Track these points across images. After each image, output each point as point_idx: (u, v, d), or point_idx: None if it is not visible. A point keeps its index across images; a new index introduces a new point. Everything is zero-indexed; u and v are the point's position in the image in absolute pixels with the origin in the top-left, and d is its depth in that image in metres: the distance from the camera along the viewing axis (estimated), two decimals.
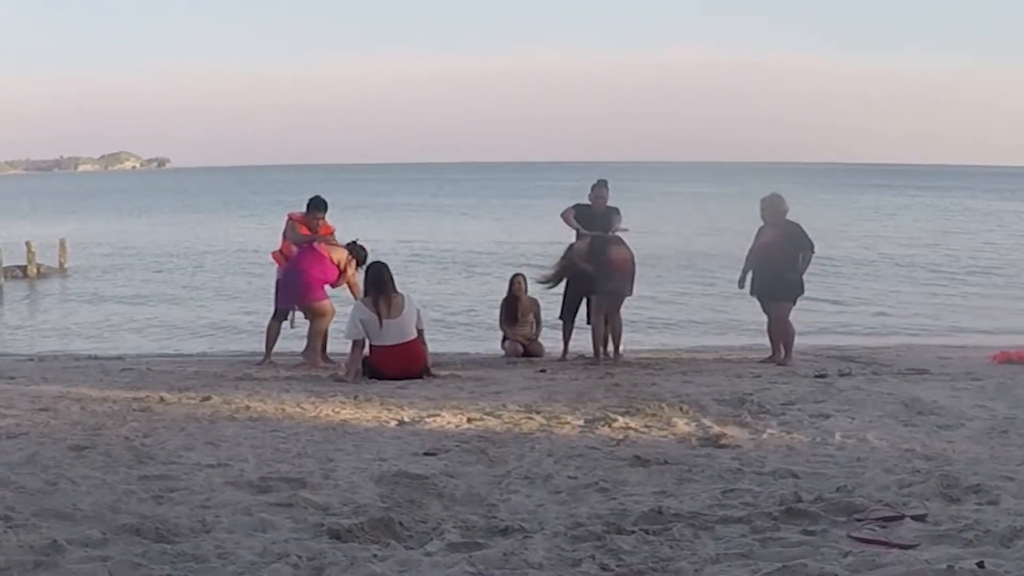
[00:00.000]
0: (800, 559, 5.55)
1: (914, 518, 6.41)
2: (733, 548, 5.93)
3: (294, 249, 15.64)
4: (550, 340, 17.19)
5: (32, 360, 17.59)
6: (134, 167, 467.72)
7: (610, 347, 16.04)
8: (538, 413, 10.75)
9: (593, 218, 16.00)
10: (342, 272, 15.52)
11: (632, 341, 17.17)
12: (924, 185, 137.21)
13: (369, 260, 14.97)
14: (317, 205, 15.87)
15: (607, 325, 15.94)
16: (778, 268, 15.37)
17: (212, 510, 6.86)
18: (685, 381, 13.30)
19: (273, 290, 16.36)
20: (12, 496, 7.10)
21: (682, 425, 10.01)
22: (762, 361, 15.75)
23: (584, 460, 8.49)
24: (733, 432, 9.64)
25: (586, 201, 16.36)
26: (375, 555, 5.88)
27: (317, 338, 15.60)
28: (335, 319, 15.66)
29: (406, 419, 10.54)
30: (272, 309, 16.30)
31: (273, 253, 16.30)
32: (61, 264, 38.11)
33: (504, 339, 17.36)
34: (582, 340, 16.67)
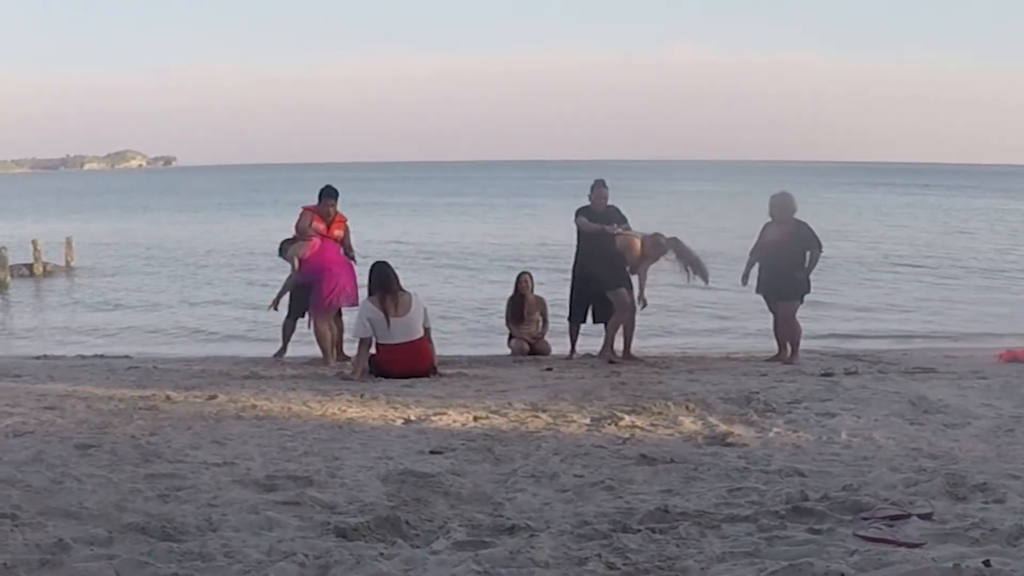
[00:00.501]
0: (806, 557, 5.54)
1: (920, 516, 6.40)
2: (739, 547, 5.93)
3: (301, 245, 15.69)
4: (557, 340, 17.20)
5: (38, 358, 17.59)
6: (140, 166, 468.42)
7: (618, 345, 16.08)
8: (544, 412, 10.75)
9: (594, 218, 16.00)
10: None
11: (637, 340, 17.15)
12: (930, 184, 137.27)
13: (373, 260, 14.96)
14: (329, 193, 16.03)
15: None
16: (786, 266, 15.37)
17: (218, 509, 6.86)
18: (691, 379, 13.30)
19: (286, 290, 16.32)
20: (18, 494, 7.11)
21: (688, 424, 10.01)
22: (768, 360, 15.75)
23: (590, 458, 8.48)
24: (739, 431, 9.64)
25: (586, 202, 16.36)
26: (381, 553, 5.88)
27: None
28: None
29: (412, 417, 10.54)
30: (288, 308, 16.30)
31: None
32: (67, 262, 38.15)
33: (510, 338, 17.37)
34: (587, 340, 16.70)
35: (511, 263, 32.03)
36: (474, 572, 5.55)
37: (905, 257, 40.10)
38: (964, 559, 5.42)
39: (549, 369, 14.73)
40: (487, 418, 10.47)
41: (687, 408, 10.77)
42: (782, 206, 15.68)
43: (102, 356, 18.07)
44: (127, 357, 17.78)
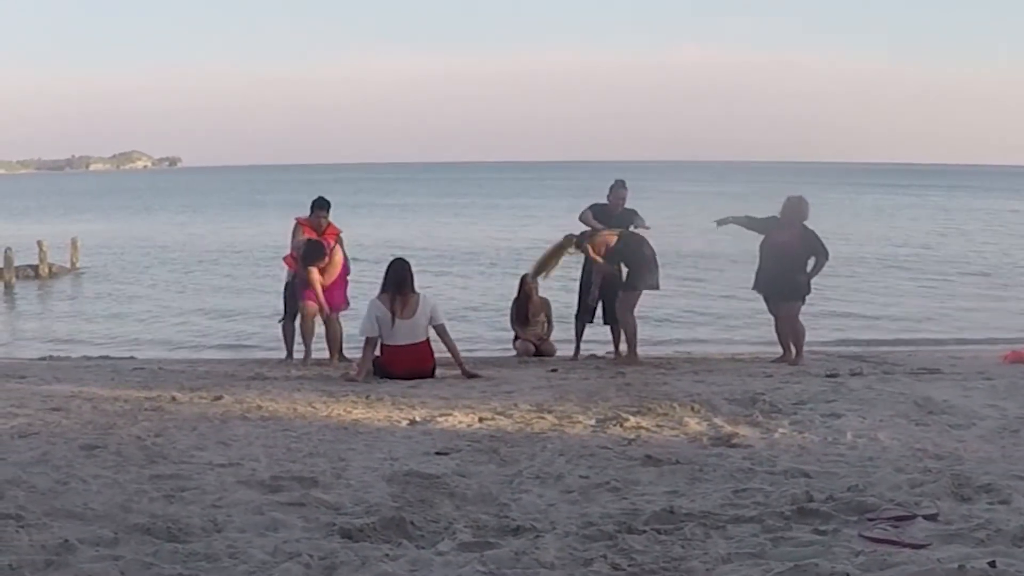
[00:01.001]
0: (812, 558, 5.54)
1: (926, 517, 6.40)
2: (745, 548, 5.92)
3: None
4: (563, 343, 17.22)
5: (44, 359, 17.64)
6: (145, 166, 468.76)
7: (622, 346, 16.11)
8: (550, 413, 10.74)
9: (611, 218, 16.02)
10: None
11: (643, 340, 17.15)
12: (938, 184, 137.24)
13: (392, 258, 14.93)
14: (320, 205, 16.09)
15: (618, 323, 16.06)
16: (790, 268, 15.38)
17: (224, 509, 6.86)
18: (696, 381, 13.29)
19: (283, 292, 16.41)
20: (23, 495, 7.11)
21: (694, 425, 10.00)
22: (773, 361, 15.75)
23: (596, 460, 8.48)
24: (745, 432, 9.63)
25: (603, 201, 16.37)
26: (387, 555, 5.88)
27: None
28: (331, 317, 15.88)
29: (418, 419, 10.54)
30: (283, 310, 16.37)
31: (285, 258, 16.36)
32: (73, 263, 38.20)
33: (516, 339, 17.39)
34: (589, 342, 16.73)
35: (515, 264, 32.10)
36: (479, 573, 5.55)
37: (901, 258, 40.11)
38: (969, 560, 5.41)
39: (554, 370, 14.73)
40: (492, 419, 10.46)
41: (692, 409, 10.76)
42: (793, 209, 15.66)
43: (107, 357, 18.12)
44: (132, 358, 17.83)
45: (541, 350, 17.14)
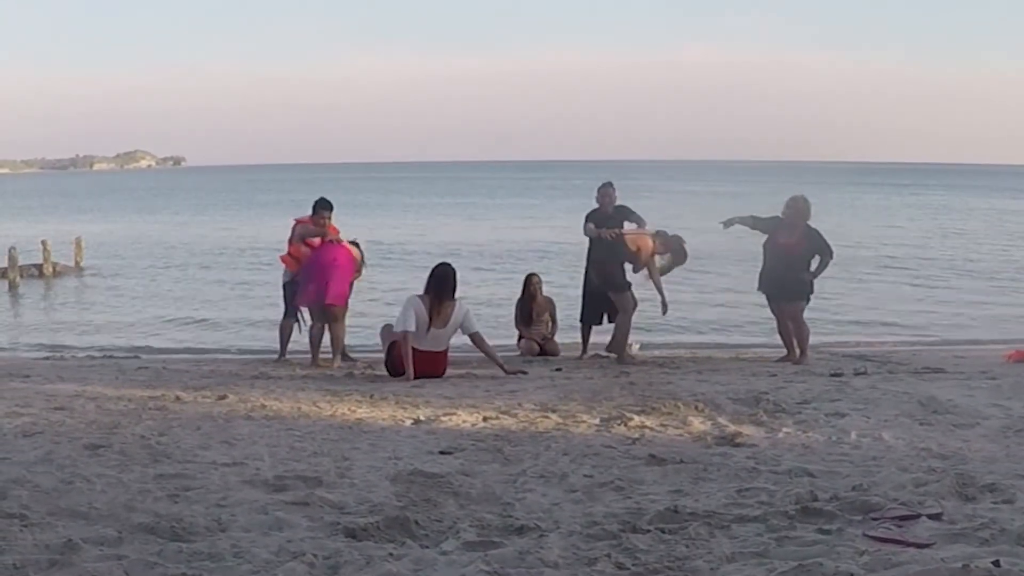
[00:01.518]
0: (816, 558, 5.54)
1: (930, 517, 6.40)
2: (749, 547, 5.92)
3: (304, 250, 15.72)
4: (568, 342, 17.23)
5: (48, 359, 17.65)
6: (149, 166, 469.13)
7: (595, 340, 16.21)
8: (554, 412, 10.74)
9: (602, 219, 16.01)
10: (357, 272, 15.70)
11: (646, 340, 17.17)
12: (947, 184, 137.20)
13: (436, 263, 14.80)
14: (323, 206, 16.04)
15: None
16: (794, 268, 15.38)
17: (228, 509, 6.87)
18: (700, 380, 13.29)
19: (282, 291, 16.42)
20: (27, 495, 7.12)
21: (698, 424, 10.00)
22: (777, 360, 15.76)
23: (600, 459, 8.48)
24: (749, 431, 9.63)
25: (594, 204, 16.37)
26: (391, 554, 5.88)
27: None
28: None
29: (422, 418, 10.54)
30: (283, 308, 16.39)
31: (282, 256, 16.33)
32: (77, 263, 38.19)
33: (520, 338, 17.39)
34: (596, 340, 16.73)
35: (518, 263, 32.09)
36: (483, 572, 5.55)
37: (918, 256, 40.13)
38: (974, 559, 5.41)
39: (559, 369, 14.74)
40: (497, 418, 10.46)
41: (696, 408, 10.76)
42: (797, 209, 15.65)
43: (111, 356, 18.12)
44: (136, 357, 17.83)
45: (545, 349, 17.14)
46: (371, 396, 11.98)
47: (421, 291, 14.11)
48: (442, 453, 8.78)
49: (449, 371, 14.13)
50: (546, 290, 17.89)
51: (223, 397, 11.89)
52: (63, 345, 21.42)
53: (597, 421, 10.23)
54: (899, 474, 7.67)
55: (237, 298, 30.08)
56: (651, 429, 9.80)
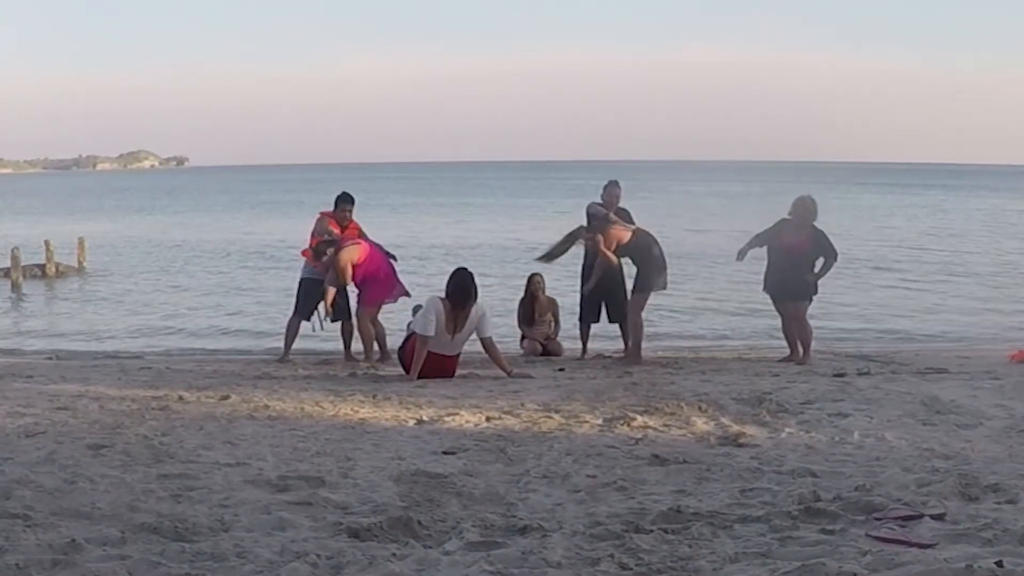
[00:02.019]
0: (819, 558, 5.54)
1: (933, 517, 6.39)
2: (752, 547, 5.92)
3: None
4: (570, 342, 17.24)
5: (50, 359, 17.65)
6: (152, 166, 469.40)
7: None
8: (557, 412, 10.74)
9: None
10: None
11: (650, 340, 17.16)
12: (951, 184, 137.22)
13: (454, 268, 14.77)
14: (345, 199, 16.17)
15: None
16: (799, 268, 15.39)
17: (231, 509, 6.87)
18: (704, 380, 13.28)
19: (296, 287, 16.45)
20: (31, 495, 7.12)
21: (701, 424, 10.00)
22: (780, 360, 15.77)
23: (603, 459, 8.48)
24: (752, 431, 9.63)
25: (598, 200, 16.35)
26: (394, 554, 5.88)
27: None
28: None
29: (425, 418, 10.54)
30: (293, 306, 16.41)
31: (303, 251, 16.35)
32: (80, 263, 38.17)
33: (522, 338, 17.40)
34: (599, 337, 16.73)
35: (521, 263, 32.09)
36: (486, 572, 5.55)
37: (922, 256, 40.12)
38: (976, 560, 5.41)
39: (561, 369, 14.73)
40: (500, 418, 10.46)
41: (699, 408, 10.76)
42: (804, 209, 15.66)
43: (114, 356, 18.13)
44: (139, 357, 17.85)
45: (548, 349, 17.15)
46: (374, 396, 11.98)
47: (442, 293, 14.09)
48: (445, 453, 8.78)
49: (456, 371, 14.15)
50: (548, 290, 17.89)
51: (226, 397, 11.89)
52: (66, 345, 21.42)
53: (600, 421, 10.23)
54: (902, 474, 7.67)
55: (240, 298, 30.07)
56: (654, 429, 9.80)
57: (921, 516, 6.42)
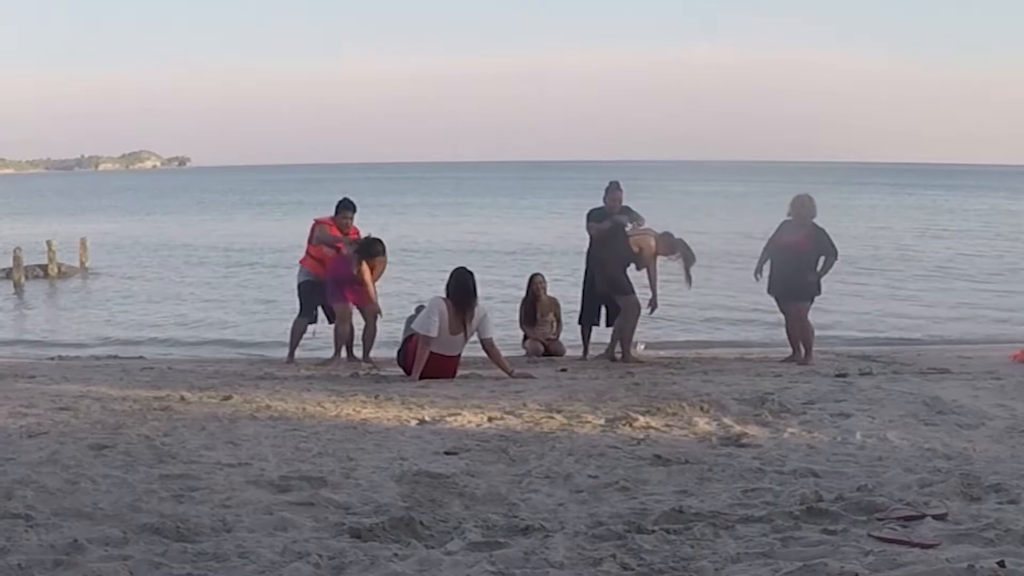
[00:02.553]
0: (821, 558, 5.54)
1: (935, 517, 6.39)
2: (754, 547, 5.92)
3: (325, 250, 15.74)
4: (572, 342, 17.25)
5: (53, 359, 17.66)
6: (155, 166, 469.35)
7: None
8: (559, 412, 10.73)
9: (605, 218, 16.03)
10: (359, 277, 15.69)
11: (652, 340, 17.17)
12: (954, 184, 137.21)
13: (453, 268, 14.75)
14: (346, 206, 16.04)
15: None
16: (801, 268, 15.39)
17: (233, 509, 6.87)
18: (706, 380, 13.28)
19: (297, 290, 16.43)
20: (33, 495, 7.12)
21: (703, 424, 10.00)
22: (782, 360, 15.77)
23: (605, 459, 8.48)
24: (754, 431, 9.63)
25: (600, 205, 16.34)
26: (396, 554, 5.88)
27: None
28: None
29: (427, 418, 10.53)
30: (298, 308, 16.41)
31: (302, 260, 16.29)
32: (82, 263, 38.20)
33: (525, 339, 17.40)
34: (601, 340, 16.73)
35: (523, 263, 32.09)
36: (488, 573, 5.55)
37: (926, 257, 40.13)
38: (978, 560, 5.41)
39: (563, 370, 14.73)
40: (501, 419, 10.46)
41: (701, 409, 10.75)
42: (802, 207, 15.69)
43: (116, 357, 18.14)
44: (141, 358, 17.85)
45: (551, 350, 17.15)
46: (376, 396, 11.98)
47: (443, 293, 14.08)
48: (447, 453, 8.77)
49: (457, 371, 14.15)
50: (549, 290, 17.90)
51: (228, 397, 11.89)
52: (68, 345, 21.43)
53: (602, 421, 10.22)
54: (904, 474, 7.67)
55: (242, 298, 30.10)
56: (656, 429, 9.80)
57: (923, 516, 6.42)
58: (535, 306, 17.45)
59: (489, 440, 9.35)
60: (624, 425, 9.97)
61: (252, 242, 49.21)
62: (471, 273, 14.13)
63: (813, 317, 15.99)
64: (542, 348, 17.13)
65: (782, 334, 16.38)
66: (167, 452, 8.74)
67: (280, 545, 6.04)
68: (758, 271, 16.02)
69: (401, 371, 14.18)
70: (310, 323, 16.30)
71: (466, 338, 14.01)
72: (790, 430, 9.69)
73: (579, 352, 16.68)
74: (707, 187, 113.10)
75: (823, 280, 15.69)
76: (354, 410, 11.07)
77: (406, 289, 27.21)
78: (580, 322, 16.70)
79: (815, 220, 15.65)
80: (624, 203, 16.22)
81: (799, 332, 15.74)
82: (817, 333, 16.20)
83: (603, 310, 16.43)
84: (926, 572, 5.28)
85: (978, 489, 7.08)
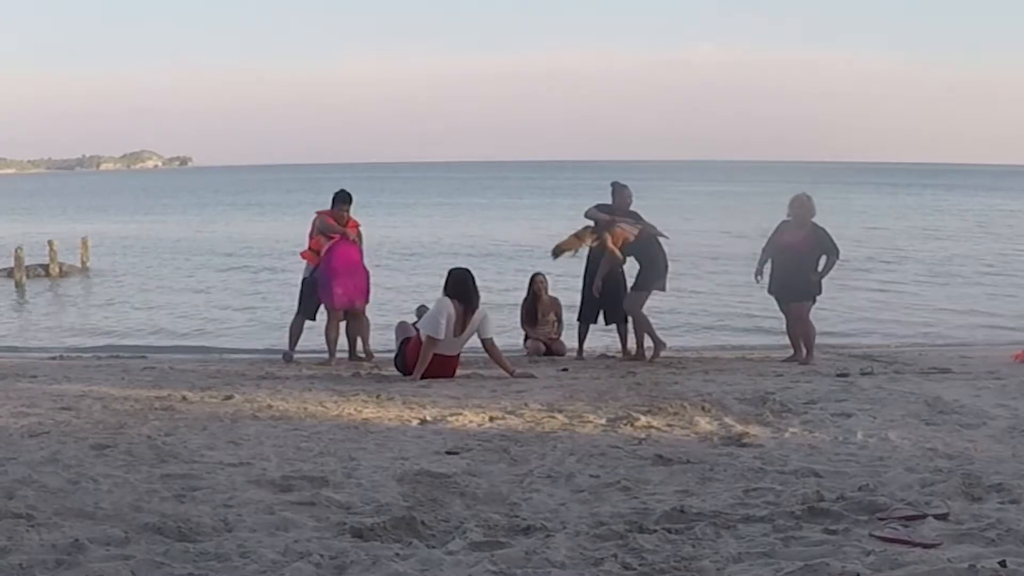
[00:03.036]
0: (822, 558, 5.54)
1: (936, 517, 6.39)
2: (755, 547, 5.92)
3: (323, 242, 15.80)
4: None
5: (54, 359, 17.66)
6: (156, 166, 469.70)
7: (630, 344, 16.19)
8: (560, 412, 10.74)
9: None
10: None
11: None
12: (956, 184, 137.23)
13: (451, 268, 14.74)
14: (343, 199, 16.12)
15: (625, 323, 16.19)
16: (802, 268, 15.38)
17: (234, 509, 6.86)
18: (707, 380, 13.29)
19: (299, 287, 16.45)
20: (34, 495, 7.12)
21: (704, 424, 10.00)
22: (784, 360, 15.76)
23: (606, 459, 8.48)
24: (755, 431, 9.63)
25: (607, 202, 16.33)
26: (397, 554, 5.88)
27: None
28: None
29: (428, 418, 10.53)
30: (296, 306, 16.44)
31: (303, 252, 16.35)
32: (83, 263, 38.19)
33: (526, 338, 17.39)
34: (597, 339, 16.73)
35: (524, 263, 32.07)
36: (490, 572, 5.55)
37: (928, 257, 40.11)
38: (980, 559, 5.41)
39: (565, 370, 14.73)
40: (503, 418, 10.46)
41: (703, 408, 10.75)
42: (801, 207, 15.68)
43: (117, 357, 18.12)
44: (143, 357, 17.84)
45: (552, 349, 17.14)
46: (377, 396, 11.99)
47: (440, 292, 14.08)
48: (448, 453, 8.78)
49: (456, 371, 14.15)
50: (552, 290, 17.89)
51: (229, 397, 11.90)
52: (70, 345, 21.43)
53: (603, 421, 10.23)
54: (905, 474, 7.67)
55: (243, 297, 30.09)
56: (657, 429, 9.80)
57: (924, 516, 6.42)
58: (536, 306, 17.44)
59: (490, 440, 9.36)
60: (625, 425, 9.98)
61: (253, 241, 49.17)
62: (470, 272, 14.14)
63: (813, 317, 15.98)
64: (543, 347, 17.12)
65: (783, 333, 16.37)
66: (168, 452, 8.73)
67: (281, 545, 6.04)
68: (758, 272, 16.02)
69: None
70: (308, 321, 16.32)
71: (466, 339, 14.02)
72: (791, 430, 9.69)
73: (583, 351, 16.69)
74: (706, 187, 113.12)
75: (824, 280, 15.68)
76: (355, 410, 11.08)
77: (406, 289, 27.22)
78: (579, 319, 16.70)
79: (814, 219, 15.64)
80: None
81: (800, 332, 15.74)
82: (817, 333, 16.19)
83: (602, 311, 16.43)
84: (927, 572, 5.28)
85: (979, 489, 7.07)
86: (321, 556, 5.78)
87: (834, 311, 23.15)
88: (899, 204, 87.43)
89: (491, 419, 10.44)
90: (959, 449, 8.75)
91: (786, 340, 16.31)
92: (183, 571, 5.61)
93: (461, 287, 13.88)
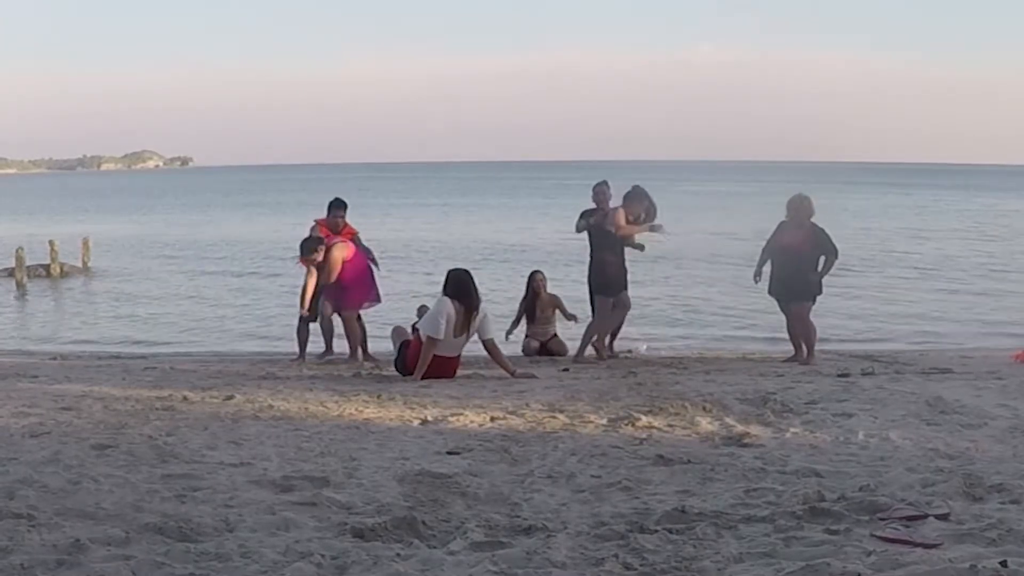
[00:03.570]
0: (823, 558, 5.53)
1: (937, 517, 6.38)
2: (756, 547, 5.91)
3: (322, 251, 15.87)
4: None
5: (55, 359, 17.67)
6: (157, 166, 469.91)
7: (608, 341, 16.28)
8: (561, 412, 10.73)
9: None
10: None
11: (654, 340, 17.17)
12: (956, 184, 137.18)
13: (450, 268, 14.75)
14: (337, 205, 16.23)
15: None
16: (802, 268, 15.39)
17: (235, 509, 6.86)
18: (708, 380, 13.29)
19: (300, 292, 16.47)
20: (35, 495, 7.11)
21: (705, 424, 9.99)
22: (785, 360, 15.77)
23: (607, 459, 8.47)
24: (756, 431, 9.62)
25: (591, 206, 16.34)
26: (398, 554, 5.88)
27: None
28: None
29: (429, 418, 10.53)
30: (298, 310, 16.45)
31: (302, 259, 16.31)
32: (84, 263, 38.19)
33: (527, 337, 17.40)
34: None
35: (524, 262, 32.07)
36: (491, 572, 5.54)
37: (928, 256, 40.10)
38: (981, 560, 5.40)
39: (566, 369, 14.74)
40: (504, 418, 10.46)
41: (704, 409, 10.75)
42: (799, 208, 15.69)
43: (118, 356, 18.15)
44: (143, 357, 17.87)
45: (552, 349, 17.15)
46: (378, 396, 11.99)
47: (441, 293, 14.09)
48: (449, 453, 8.77)
49: (456, 371, 14.15)
50: (551, 287, 17.90)
51: (230, 397, 11.90)
52: (71, 345, 21.44)
53: (604, 421, 10.22)
54: (906, 474, 7.66)
55: (244, 298, 30.10)
56: (658, 429, 9.79)
57: (925, 516, 6.41)
58: (535, 303, 17.45)
59: (491, 440, 9.35)
60: (626, 425, 9.97)
61: (253, 241, 49.18)
62: (468, 272, 14.14)
63: (813, 317, 15.98)
64: (538, 345, 17.20)
65: (784, 333, 16.37)
66: (169, 452, 8.73)
67: (282, 545, 6.04)
68: (757, 273, 16.04)
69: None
70: (311, 322, 16.35)
71: (467, 339, 14.02)
72: (792, 430, 9.68)
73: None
74: (706, 187, 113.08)
75: (823, 279, 15.69)
76: (356, 410, 11.08)
77: (406, 289, 27.21)
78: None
79: (813, 219, 15.65)
80: (625, 204, 16.19)
81: (801, 332, 15.74)
82: (819, 332, 16.19)
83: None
84: (928, 572, 5.28)
85: (980, 489, 7.06)
86: (322, 556, 5.77)
87: (834, 311, 23.17)
88: (899, 204, 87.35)
89: (492, 419, 10.43)
90: (960, 449, 8.74)
91: (787, 340, 16.30)
92: (184, 571, 5.61)
93: (460, 287, 13.88)
